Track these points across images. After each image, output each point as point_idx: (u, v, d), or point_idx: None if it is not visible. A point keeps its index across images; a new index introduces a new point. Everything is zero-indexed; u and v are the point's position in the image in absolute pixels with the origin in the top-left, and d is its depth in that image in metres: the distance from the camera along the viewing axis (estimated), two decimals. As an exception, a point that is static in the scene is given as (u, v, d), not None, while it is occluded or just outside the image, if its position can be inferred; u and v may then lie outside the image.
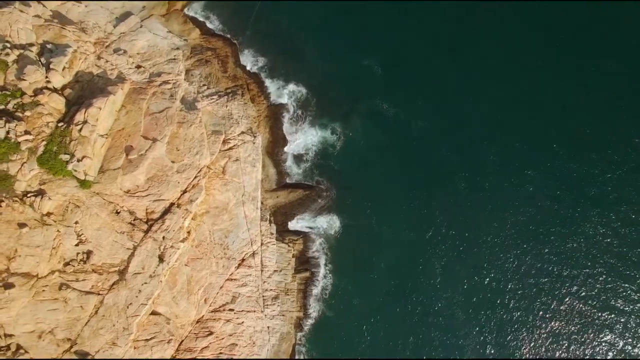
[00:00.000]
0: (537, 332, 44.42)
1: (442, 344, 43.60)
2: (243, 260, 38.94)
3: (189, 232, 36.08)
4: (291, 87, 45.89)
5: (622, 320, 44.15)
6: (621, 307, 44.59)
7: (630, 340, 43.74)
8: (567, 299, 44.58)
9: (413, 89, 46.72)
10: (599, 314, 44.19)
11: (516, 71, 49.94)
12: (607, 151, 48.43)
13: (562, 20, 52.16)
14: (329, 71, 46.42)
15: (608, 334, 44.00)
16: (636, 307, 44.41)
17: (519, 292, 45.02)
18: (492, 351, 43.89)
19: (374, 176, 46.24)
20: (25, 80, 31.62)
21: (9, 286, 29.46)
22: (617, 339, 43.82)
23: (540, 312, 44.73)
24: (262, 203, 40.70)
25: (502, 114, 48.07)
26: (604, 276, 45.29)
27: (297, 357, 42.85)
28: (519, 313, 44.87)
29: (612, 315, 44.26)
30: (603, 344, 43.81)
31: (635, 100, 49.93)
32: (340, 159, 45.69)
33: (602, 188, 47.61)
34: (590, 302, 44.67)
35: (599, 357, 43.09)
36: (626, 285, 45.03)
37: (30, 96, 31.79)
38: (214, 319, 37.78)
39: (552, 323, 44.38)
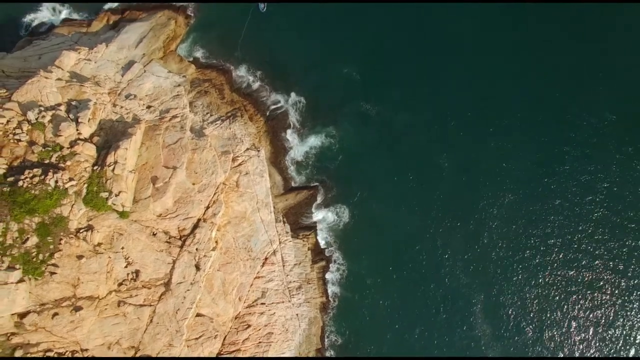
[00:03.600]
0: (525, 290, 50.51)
1: (448, 299, 49.19)
2: (266, 259, 44.60)
3: (216, 242, 41.75)
4: (282, 101, 51.48)
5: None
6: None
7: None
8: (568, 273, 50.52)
9: (390, 88, 52.46)
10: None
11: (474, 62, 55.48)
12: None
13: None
14: (313, 83, 51.99)
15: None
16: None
17: (503, 251, 51.04)
18: (495, 304, 49.61)
19: (370, 169, 51.86)
20: (61, 135, 37.18)
21: (78, 309, 35.02)
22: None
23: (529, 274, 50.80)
24: (274, 207, 46.35)
25: (472, 100, 53.74)
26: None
27: (326, 337, 48.48)
28: (508, 268, 50.77)
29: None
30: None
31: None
32: (336, 159, 51.28)
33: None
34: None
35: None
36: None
37: (67, 148, 37.32)
38: (250, 314, 43.44)
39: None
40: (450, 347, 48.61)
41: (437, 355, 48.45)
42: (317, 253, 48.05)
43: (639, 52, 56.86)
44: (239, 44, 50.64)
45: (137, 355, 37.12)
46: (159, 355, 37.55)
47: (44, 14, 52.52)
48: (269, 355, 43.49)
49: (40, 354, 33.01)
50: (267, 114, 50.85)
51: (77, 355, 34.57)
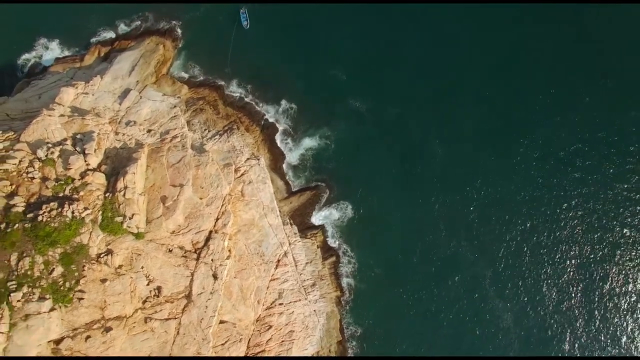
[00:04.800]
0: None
1: (456, 278, 51.21)
2: (278, 261, 46.57)
3: (230, 251, 43.73)
4: (275, 109, 53.50)
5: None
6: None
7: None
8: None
9: (377, 85, 54.69)
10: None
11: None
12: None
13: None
14: (303, 87, 54.02)
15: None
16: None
17: (505, 227, 53.10)
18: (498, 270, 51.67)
19: (367, 163, 54.06)
20: (71, 168, 39.13)
21: (108, 329, 36.98)
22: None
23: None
24: (280, 211, 48.32)
25: (455, 87, 55.96)
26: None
27: (346, 329, 50.42)
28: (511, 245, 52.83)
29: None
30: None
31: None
32: (334, 158, 53.43)
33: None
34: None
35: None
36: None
37: (79, 179, 39.25)
38: (270, 315, 45.44)
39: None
40: (463, 323, 50.68)
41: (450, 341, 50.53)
42: (327, 250, 50.05)
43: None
44: (228, 61, 52.63)
45: (169, 366, 39.11)
46: (189, 364, 39.54)
47: (37, 53, 54.42)
48: (293, 352, 45.48)
49: (79, 376, 35.03)
50: (262, 123, 52.85)
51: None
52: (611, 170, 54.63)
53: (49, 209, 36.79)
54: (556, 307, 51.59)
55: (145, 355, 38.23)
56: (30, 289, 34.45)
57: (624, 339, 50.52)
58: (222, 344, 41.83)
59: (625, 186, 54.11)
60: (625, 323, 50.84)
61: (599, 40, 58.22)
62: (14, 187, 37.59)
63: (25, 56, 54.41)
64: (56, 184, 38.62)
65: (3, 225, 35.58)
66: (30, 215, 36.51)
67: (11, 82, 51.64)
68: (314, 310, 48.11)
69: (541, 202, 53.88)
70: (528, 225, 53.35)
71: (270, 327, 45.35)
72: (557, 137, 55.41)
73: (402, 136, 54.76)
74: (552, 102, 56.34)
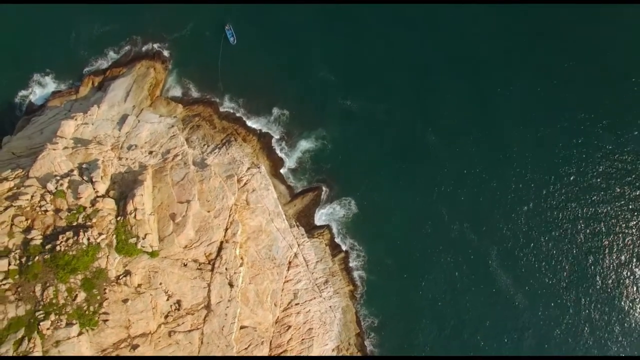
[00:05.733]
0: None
1: (463, 260, 52.97)
2: (290, 263, 48.13)
3: (242, 258, 45.27)
4: (268, 118, 54.92)
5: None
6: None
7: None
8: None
9: (365, 83, 56.19)
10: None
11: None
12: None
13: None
14: (294, 92, 55.45)
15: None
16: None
17: (505, 207, 54.89)
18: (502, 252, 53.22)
19: (364, 159, 55.65)
20: (81, 197, 40.65)
21: (135, 347, 38.49)
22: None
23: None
24: (285, 215, 49.90)
25: (440, 76, 57.60)
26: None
27: (362, 321, 51.93)
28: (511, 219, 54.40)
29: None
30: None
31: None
32: (331, 157, 54.93)
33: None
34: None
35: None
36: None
37: (90, 207, 40.78)
38: (287, 315, 47.00)
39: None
40: (476, 303, 52.30)
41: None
42: (335, 246, 51.62)
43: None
44: (219, 77, 54.01)
45: (197, 375, 40.62)
46: (216, 371, 41.04)
47: (32, 89, 55.70)
48: (314, 349, 47.03)
49: (113, 393, 36.58)
50: (258, 132, 54.30)
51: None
52: (609, 147, 56.24)
53: (65, 238, 38.29)
54: (556, 275, 53.48)
55: (173, 368, 39.80)
56: (57, 316, 35.97)
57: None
58: (245, 349, 43.37)
59: (619, 165, 55.97)
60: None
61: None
62: (29, 221, 39.08)
63: (22, 94, 55.59)
64: (69, 213, 40.14)
65: (24, 259, 37.11)
66: (48, 246, 38.00)
67: (11, 121, 53.01)
68: (330, 306, 49.66)
69: (536, 176, 55.57)
70: (524, 199, 55.06)
71: (290, 327, 46.90)
72: (548, 117, 57.09)
73: (395, 129, 56.27)
74: (530, 79, 57.99)
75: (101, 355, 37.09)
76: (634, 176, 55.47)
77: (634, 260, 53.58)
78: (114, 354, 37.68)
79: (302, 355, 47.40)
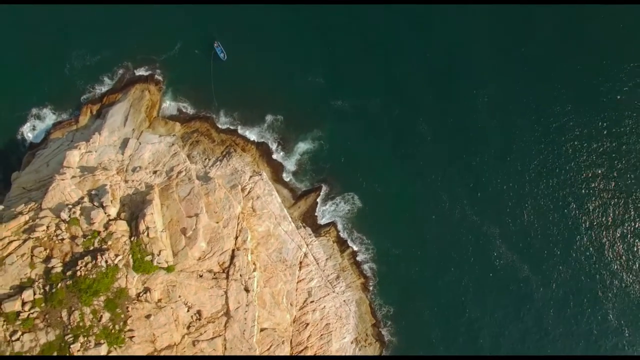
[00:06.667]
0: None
1: (468, 241, 54.95)
2: (300, 263, 49.81)
3: (254, 263, 46.92)
4: (263, 125, 56.42)
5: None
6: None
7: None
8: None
9: (354, 81, 57.82)
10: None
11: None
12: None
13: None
14: (286, 99, 56.86)
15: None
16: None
17: (502, 185, 56.66)
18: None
19: (361, 154, 57.20)
20: (94, 222, 42.32)
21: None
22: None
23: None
24: (291, 217, 51.54)
25: (427, 69, 59.20)
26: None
27: (378, 311, 53.48)
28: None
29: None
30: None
31: None
32: (329, 156, 56.47)
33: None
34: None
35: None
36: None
37: (104, 231, 42.51)
38: (304, 314, 48.67)
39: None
40: (484, 280, 54.03)
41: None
42: (342, 242, 53.29)
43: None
44: (213, 93, 55.47)
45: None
46: (242, 374, 42.71)
47: (32, 124, 56.92)
48: (333, 343, 48.70)
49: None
50: (255, 140, 55.85)
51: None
52: (606, 124, 58.01)
53: (84, 263, 39.98)
54: (552, 241, 55.68)
55: (201, 375, 41.45)
56: (85, 338, 37.71)
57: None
58: (267, 349, 45.06)
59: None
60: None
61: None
62: (48, 251, 40.78)
63: (23, 129, 56.66)
64: (85, 239, 41.83)
65: (47, 288, 38.81)
66: (69, 272, 39.69)
67: (17, 157, 54.53)
68: (344, 301, 51.31)
69: (527, 154, 57.41)
70: (518, 176, 56.83)
71: (307, 324, 48.57)
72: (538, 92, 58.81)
73: (388, 122, 57.82)
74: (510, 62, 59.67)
75: (131, 370, 38.79)
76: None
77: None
78: (143, 368, 39.39)
79: (321, 353, 49.06)
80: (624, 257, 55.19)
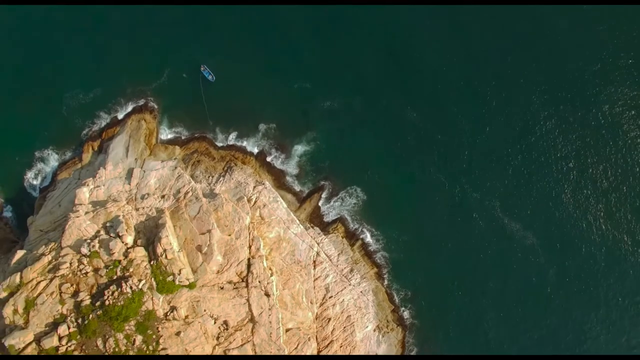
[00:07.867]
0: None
1: (470, 217, 56.94)
2: (314, 262, 51.80)
3: (270, 268, 48.92)
4: (259, 136, 58.36)
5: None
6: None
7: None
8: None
9: (339, 82, 59.70)
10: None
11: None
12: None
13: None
14: (276, 107, 58.76)
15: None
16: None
17: (497, 161, 58.97)
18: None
19: (358, 149, 59.18)
20: (114, 253, 44.34)
21: (198, 371, 42.25)
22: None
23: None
24: (298, 220, 53.52)
25: (405, 60, 61.47)
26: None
27: (395, 296, 55.31)
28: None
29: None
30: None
31: None
32: (327, 156, 58.41)
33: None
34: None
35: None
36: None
37: (124, 259, 44.53)
38: (325, 309, 50.66)
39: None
40: (493, 253, 55.98)
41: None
42: (351, 236, 55.26)
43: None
44: (207, 113, 57.41)
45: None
46: (275, 375, 44.70)
47: (37, 168, 58.65)
48: (356, 333, 50.66)
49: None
50: (254, 152, 57.80)
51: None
52: (606, 107, 60.34)
53: (110, 292, 42.01)
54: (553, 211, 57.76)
55: (236, 381, 43.43)
56: (123, 362, 39.73)
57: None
58: (295, 348, 47.02)
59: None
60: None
61: None
62: (74, 286, 42.82)
63: (29, 175, 58.32)
64: (107, 270, 43.86)
65: (80, 320, 40.83)
66: (97, 303, 41.73)
67: (30, 203, 56.40)
68: (361, 292, 53.29)
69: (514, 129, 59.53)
70: (510, 150, 58.79)
71: (330, 319, 50.54)
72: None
73: (379, 116, 59.81)
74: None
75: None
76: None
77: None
78: (181, 383, 41.36)
79: (346, 344, 50.98)
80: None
